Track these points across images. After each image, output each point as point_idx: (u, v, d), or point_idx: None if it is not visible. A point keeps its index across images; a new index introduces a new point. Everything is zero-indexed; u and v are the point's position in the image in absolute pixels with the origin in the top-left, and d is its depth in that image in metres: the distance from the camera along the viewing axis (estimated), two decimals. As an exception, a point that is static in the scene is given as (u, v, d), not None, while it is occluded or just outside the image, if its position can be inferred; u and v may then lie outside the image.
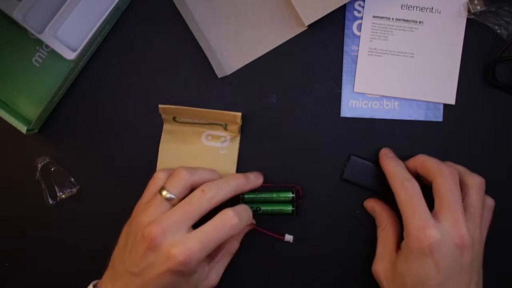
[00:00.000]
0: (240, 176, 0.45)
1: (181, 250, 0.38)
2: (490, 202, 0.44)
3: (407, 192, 0.41)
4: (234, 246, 0.46)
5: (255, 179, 0.45)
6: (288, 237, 0.47)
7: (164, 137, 0.48)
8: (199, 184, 0.42)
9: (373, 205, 0.46)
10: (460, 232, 0.39)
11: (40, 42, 0.46)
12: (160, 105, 0.45)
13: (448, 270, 0.39)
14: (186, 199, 0.41)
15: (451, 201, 0.40)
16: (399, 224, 0.44)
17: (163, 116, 0.46)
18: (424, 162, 0.43)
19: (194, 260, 0.39)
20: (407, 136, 0.48)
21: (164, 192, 0.41)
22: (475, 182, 0.42)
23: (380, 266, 0.43)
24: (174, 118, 0.47)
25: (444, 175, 0.41)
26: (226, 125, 0.46)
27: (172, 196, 0.41)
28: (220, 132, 0.47)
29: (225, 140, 0.47)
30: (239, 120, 0.45)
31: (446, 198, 0.40)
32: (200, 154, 0.47)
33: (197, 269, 0.40)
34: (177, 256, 0.38)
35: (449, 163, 0.45)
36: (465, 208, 0.41)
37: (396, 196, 0.42)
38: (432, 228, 0.38)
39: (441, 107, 0.48)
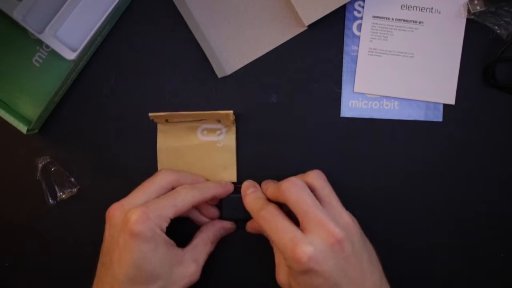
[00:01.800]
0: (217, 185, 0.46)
1: (135, 211, 0.40)
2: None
3: (265, 220, 0.41)
4: (210, 234, 0.46)
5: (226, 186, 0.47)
6: None
7: (160, 138, 0.48)
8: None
9: (254, 225, 0.47)
10: (330, 230, 0.38)
11: (40, 42, 0.46)
12: (150, 114, 0.44)
13: (335, 271, 0.38)
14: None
15: (307, 207, 0.40)
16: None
17: (155, 119, 0.47)
18: (268, 190, 0.44)
19: (149, 221, 0.40)
20: (407, 136, 0.48)
21: None
22: (313, 175, 0.43)
23: (281, 277, 0.42)
24: (166, 120, 0.47)
25: (287, 189, 0.41)
26: (219, 120, 0.47)
27: None
28: (214, 125, 0.47)
29: (221, 133, 0.47)
30: (231, 117, 0.45)
31: (301, 207, 0.40)
32: (198, 149, 0.47)
33: (155, 233, 0.40)
34: (131, 216, 0.40)
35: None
36: (320, 202, 0.41)
37: (261, 228, 0.42)
38: (302, 244, 0.38)
39: (441, 107, 0.48)
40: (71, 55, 0.44)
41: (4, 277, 0.49)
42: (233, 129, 0.48)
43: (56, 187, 0.48)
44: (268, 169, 0.48)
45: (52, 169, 0.48)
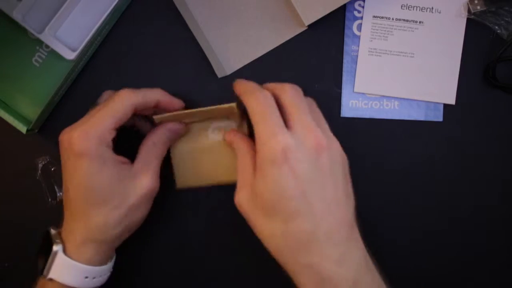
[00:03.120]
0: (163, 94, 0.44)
1: (75, 130, 0.39)
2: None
3: (258, 101, 0.38)
4: (154, 138, 0.43)
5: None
6: None
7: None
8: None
9: (232, 138, 0.43)
10: (315, 134, 0.37)
11: (40, 42, 0.46)
12: (154, 116, 0.43)
13: (306, 176, 0.36)
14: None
15: (302, 111, 0.38)
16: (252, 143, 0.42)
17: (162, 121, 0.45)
18: (269, 84, 0.41)
19: (89, 138, 0.38)
20: (407, 136, 0.48)
21: None
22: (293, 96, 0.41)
23: (241, 195, 0.39)
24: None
25: (291, 88, 0.40)
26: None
27: None
28: (224, 123, 0.46)
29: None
30: (235, 110, 0.43)
31: (297, 109, 0.38)
32: (214, 150, 0.46)
33: (98, 150, 0.39)
34: (72, 136, 0.39)
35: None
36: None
37: (248, 110, 0.39)
38: (284, 134, 0.36)
39: (441, 107, 0.48)
40: (71, 55, 0.44)
41: (4, 277, 0.49)
42: (244, 124, 0.45)
43: (56, 187, 0.48)
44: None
45: (52, 169, 0.48)
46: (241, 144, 0.42)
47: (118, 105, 0.40)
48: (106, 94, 0.44)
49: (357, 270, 0.37)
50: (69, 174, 0.40)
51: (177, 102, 0.44)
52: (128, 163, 0.41)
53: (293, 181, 0.36)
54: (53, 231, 0.42)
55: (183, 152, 0.46)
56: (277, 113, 0.38)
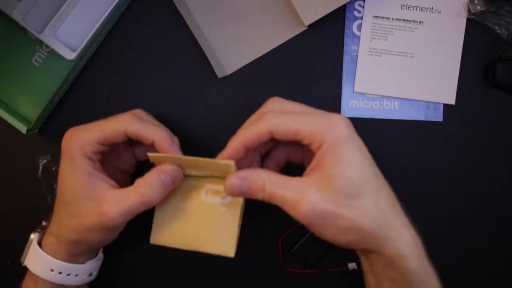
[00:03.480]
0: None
1: (72, 129, 0.40)
2: None
3: (281, 114, 0.38)
4: (142, 182, 0.39)
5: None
6: (351, 265, 0.48)
7: None
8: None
9: (235, 179, 0.37)
10: (331, 114, 0.38)
11: (40, 42, 0.46)
12: (149, 154, 0.39)
13: (363, 144, 0.38)
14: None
15: (303, 108, 0.40)
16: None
17: (155, 162, 0.41)
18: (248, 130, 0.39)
19: (71, 140, 0.40)
20: (407, 136, 0.48)
21: None
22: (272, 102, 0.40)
23: (311, 199, 0.35)
24: None
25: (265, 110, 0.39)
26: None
27: None
28: (221, 187, 0.40)
29: (226, 196, 0.40)
30: (232, 170, 0.38)
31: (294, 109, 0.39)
32: (199, 212, 0.41)
33: (73, 154, 0.39)
34: (65, 134, 0.40)
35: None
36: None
37: (277, 131, 0.37)
38: (334, 114, 0.37)
39: (441, 107, 0.48)
40: (71, 55, 0.44)
41: (5, 277, 0.49)
42: (241, 200, 0.40)
43: (56, 187, 0.48)
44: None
45: (53, 169, 0.48)
46: (262, 172, 0.37)
47: (112, 124, 0.40)
48: (139, 112, 0.44)
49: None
50: (60, 173, 0.41)
51: (174, 152, 0.41)
52: (112, 187, 0.39)
53: (362, 152, 0.37)
54: (43, 223, 0.43)
55: (168, 207, 0.41)
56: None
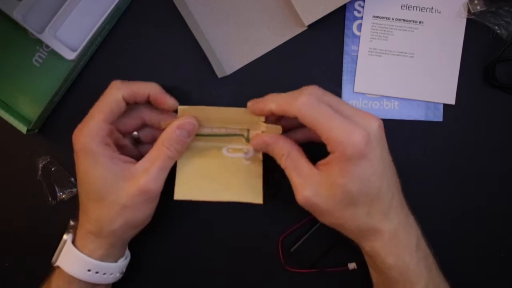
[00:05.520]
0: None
1: (75, 130, 0.40)
2: None
3: (312, 108, 0.38)
4: (162, 138, 0.41)
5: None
6: (351, 265, 0.48)
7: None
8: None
9: (263, 140, 0.41)
10: (371, 115, 0.39)
11: (40, 42, 0.46)
12: (179, 106, 0.42)
13: (381, 157, 0.38)
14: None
15: (339, 102, 0.40)
16: (299, 146, 0.41)
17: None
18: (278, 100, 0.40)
19: (82, 136, 0.40)
20: (407, 136, 0.48)
21: None
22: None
23: (309, 192, 0.39)
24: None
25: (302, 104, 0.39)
26: (248, 135, 0.44)
27: None
28: (241, 145, 0.44)
29: (247, 151, 0.44)
30: (263, 127, 0.42)
31: (335, 102, 0.39)
32: (223, 165, 0.44)
33: (91, 147, 0.39)
34: (73, 136, 0.40)
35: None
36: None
37: (304, 118, 0.38)
38: (358, 128, 0.37)
39: (441, 107, 0.48)
40: (71, 55, 0.44)
41: (4, 277, 0.49)
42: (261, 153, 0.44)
43: (56, 187, 0.48)
44: (269, 169, 0.48)
45: (53, 169, 0.48)
46: (280, 143, 0.41)
47: (107, 99, 0.41)
48: (117, 81, 0.43)
49: (417, 230, 0.42)
50: (76, 170, 0.41)
51: (169, 100, 0.43)
52: (132, 162, 0.41)
53: (376, 166, 0.38)
54: (71, 223, 0.44)
55: (190, 164, 0.43)
56: (336, 113, 0.38)
